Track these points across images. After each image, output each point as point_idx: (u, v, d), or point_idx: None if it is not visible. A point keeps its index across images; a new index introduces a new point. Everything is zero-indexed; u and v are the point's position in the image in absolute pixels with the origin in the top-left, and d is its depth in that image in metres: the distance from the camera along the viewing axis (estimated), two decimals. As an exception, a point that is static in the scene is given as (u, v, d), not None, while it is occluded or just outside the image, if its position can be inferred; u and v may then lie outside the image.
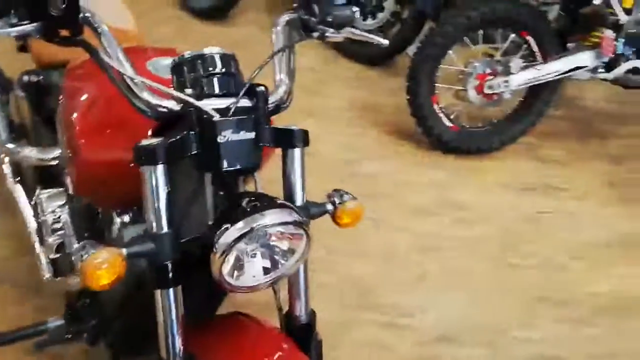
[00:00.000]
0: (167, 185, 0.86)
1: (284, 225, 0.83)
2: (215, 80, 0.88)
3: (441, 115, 2.54)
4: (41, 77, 1.66)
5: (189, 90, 0.87)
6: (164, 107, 0.87)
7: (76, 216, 1.42)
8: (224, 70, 0.89)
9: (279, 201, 0.86)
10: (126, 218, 1.12)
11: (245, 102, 0.88)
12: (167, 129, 0.91)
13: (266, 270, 0.87)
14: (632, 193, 2.54)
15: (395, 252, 2.09)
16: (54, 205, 1.48)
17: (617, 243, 2.25)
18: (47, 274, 1.52)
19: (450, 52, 2.47)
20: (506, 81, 2.43)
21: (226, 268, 0.83)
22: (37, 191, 1.54)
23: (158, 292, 0.88)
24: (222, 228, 0.82)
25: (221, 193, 0.90)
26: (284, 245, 0.86)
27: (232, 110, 0.86)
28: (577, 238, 2.26)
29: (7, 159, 1.77)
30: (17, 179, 1.71)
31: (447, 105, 2.59)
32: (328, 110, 2.83)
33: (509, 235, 2.24)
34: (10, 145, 1.68)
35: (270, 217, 0.82)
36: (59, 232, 1.47)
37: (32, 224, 1.62)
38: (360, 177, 2.37)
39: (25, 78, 1.68)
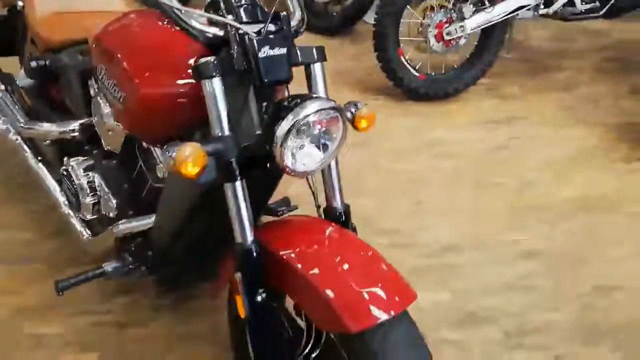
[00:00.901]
0: (224, 96, 1.03)
1: (324, 111, 1.02)
2: (244, 9, 1.06)
3: (408, 66, 2.78)
4: (48, 60, 1.77)
5: (229, 16, 1.05)
6: (211, 32, 1.05)
7: (110, 175, 1.56)
8: (250, 1, 1.07)
9: (314, 95, 1.05)
10: None
11: (271, 27, 1.07)
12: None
13: (315, 156, 1.05)
14: (582, 114, 2.86)
15: (389, 187, 2.31)
16: (85, 171, 1.61)
17: (577, 156, 2.56)
18: (85, 235, 1.66)
19: (408, 7, 2.71)
20: (462, 26, 2.69)
21: (287, 156, 1.01)
22: (65, 161, 1.66)
23: (228, 186, 1.05)
24: (277, 124, 1.01)
25: (264, 104, 1.09)
26: (326, 132, 1.05)
27: (265, 31, 1.04)
28: (542, 157, 2.54)
29: (24, 145, 1.88)
30: (39, 159, 1.83)
31: (412, 57, 2.83)
32: (302, 80, 3.01)
33: (483, 162, 2.51)
34: (31, 125, 1.79)
35: (311, 106, 1.01)
36: (94, 194, 1.60)
37: (61, 197, 1.75)
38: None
39: (34, 64, 1.78)
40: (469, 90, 2.98)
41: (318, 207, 1.24)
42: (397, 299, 0.98)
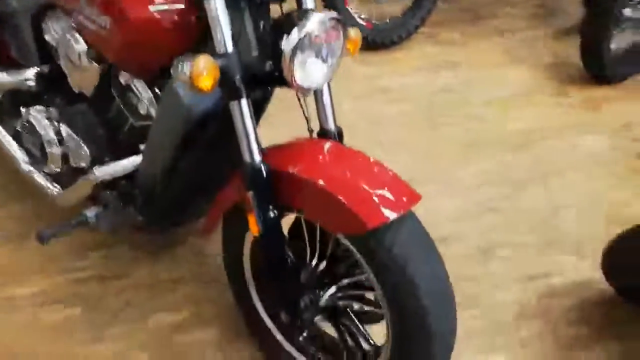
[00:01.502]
0: (226, 12, 1.02)
1: (328, 22, 1.05)
2: None
3: (355, 15, 2.83)
4: None
5: None
6: None
7: (79, 121, 1.49)
8: None
9: (311, 8, 1.07)
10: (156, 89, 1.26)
11: None
12: None
13: (320, 70, 1.08)
14: (518, 56, 3.05)
15: (351, 130, 2.36)
16: (50, 120, 1.53)
17: (517, 94, 2.74)
18: (54, 190, 1.58)
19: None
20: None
21: (297, 71, 1.03)
22: (24, 112, 1.57)
23: (234, 104, 1.06)
24: (282, 40, 1.02)
25: (261, 23, 1.09)
26: (328, 45, 1.08)
27: None
28: (487, 96, 2.70)
29: None
30: None
31: (357, 8, 2.89)
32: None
33: (432, 104, 2.64)
34: None
35: (315, 18, 1.04)
36: (62, 145, 1.53)
37: (20, 154, 1.65)
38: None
39: None
40: (411, 38, 3.08)
41: (311, 131, 1.28)
42: (404, 199, 1.05)
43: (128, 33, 1.14)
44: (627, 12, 2.55)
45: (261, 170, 1.09)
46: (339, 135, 1.27)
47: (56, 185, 1.57)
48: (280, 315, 1.33)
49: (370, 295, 1.23)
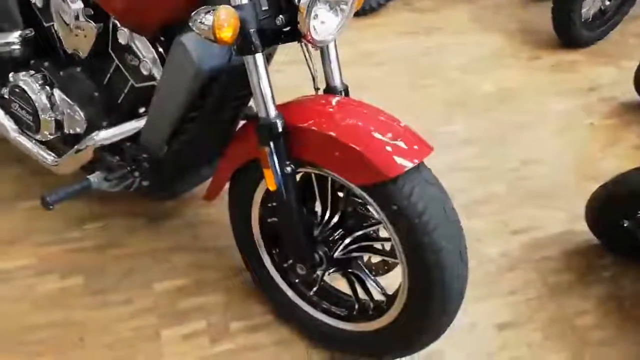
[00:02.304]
0: None
1: None
2: None
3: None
4: None
5: None
6: None
7: (73, 86, 1.44)
8: None
9: None
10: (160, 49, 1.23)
11: None
12: None
13: (332, 23, 1.10)
14: (489, 22, 3.13)
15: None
16: (42, 85, 1.47)
17: (490, 57, 2.82)
18: (49, 158, 1.54)
19: None
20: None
21: (311, 24, 1.04)
22: (13, 77, 1.50)
23: (249, 59, 1.06)
24: None
25: None
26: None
27: None
28: (462, 60, 2.77)
29: None
30: None
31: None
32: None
33: (411, 67, 2.69)
34: None
35: None
36: (55, 110, 1.48)
37: (8, 122, 1.58)
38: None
39: None
40: (388, 5, 3.11)
41: (317, 89, 1.29)
42: (418, 149, 1.09)
43: None
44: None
45: (276, 126, 1.10)
46: (345, 92, 1.29)
47: (50, 152, 1.53)
48: (290, 272, 1.37)
49: (379, 245, 1.27)
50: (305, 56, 1.24)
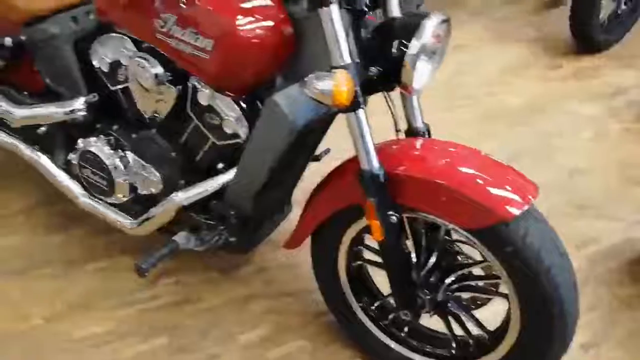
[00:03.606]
0: (341, 23, 1.03)
1: (441, 25, 1.08)
2: None
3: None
4: (25, 35, 1.54)
5: None
6: None
7: (147, 147, 1.44)
8: None
9: (422, 12, 1.09)
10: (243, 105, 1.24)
11: None
12: None
13: (427, 71, 1.11)
14: (506, 34, 3.16)
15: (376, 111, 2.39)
16: (114, 149, 1.47)
17: (512, 70, 2.86)
18: (127, 222, 1.52)
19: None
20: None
21: (416, 74, 1.06)
22: (82, 143, 1.50)
23: (351, 115, 1.08)
24: (395, 46, 1.04)
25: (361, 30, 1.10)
26: (437, 45, 1.10)
27: None
28: (485, 75, 2.81)
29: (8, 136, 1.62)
30: (35, 148, 1.60)
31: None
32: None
33: (441, 87, 2.70)
34: (27, 111, 1.55)
35: (432, 23, 1.06)
36: (129, 173, 1.47)
37: (75, 186, 1.57)
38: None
39: (7, 41, 1.53)
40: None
41: (398, 130, 1.30)
42: (526, 188, 1.10)
43: (235, 52, 1.13)
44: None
45: (379, 177, 1.11)
46: (427, 133, 1.30)
47: (126, 215, 1.51)
48: (381, 315, 1.37)
49: (481, 283, 1.27)
50: (387, 101, 1.25)
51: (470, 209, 1.06)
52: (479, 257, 1.23)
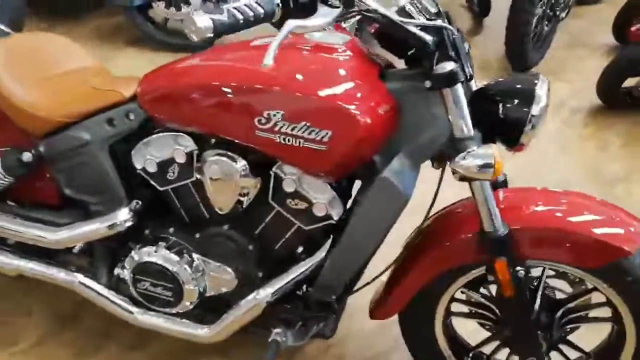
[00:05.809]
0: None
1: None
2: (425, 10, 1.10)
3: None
4: (42, 148, 1.35)
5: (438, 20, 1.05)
6: (429, 38, 1.04)
7: (214, 245, 1.33)
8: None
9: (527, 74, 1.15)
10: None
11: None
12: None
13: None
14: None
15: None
16: (178, 254, 1.32)
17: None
18: (202, 330, 1.37)
19: None
20: None
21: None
22: (135, 256, 1.33)
23: (476, 183, 1.12)
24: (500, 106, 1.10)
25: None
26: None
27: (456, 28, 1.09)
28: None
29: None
30: (71, 269, 1.40)
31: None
32: None
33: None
34: (64, 233, 1.34)
35: (544, 86, 1.13)
36: (198, 278, 1.33)
37: (127, 305, 1.39)
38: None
39: (26, 156, 1.32)
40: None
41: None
42: (632, 218, 1.18)
43: (355, 140, 1.10)
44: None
45: (506, 235, 1.14)
46: (504, 182, 1.35)
47: (196, 324, 1.36)
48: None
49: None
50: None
51: (594, 248, 1.12)
52: (569, 289, 1.30)
